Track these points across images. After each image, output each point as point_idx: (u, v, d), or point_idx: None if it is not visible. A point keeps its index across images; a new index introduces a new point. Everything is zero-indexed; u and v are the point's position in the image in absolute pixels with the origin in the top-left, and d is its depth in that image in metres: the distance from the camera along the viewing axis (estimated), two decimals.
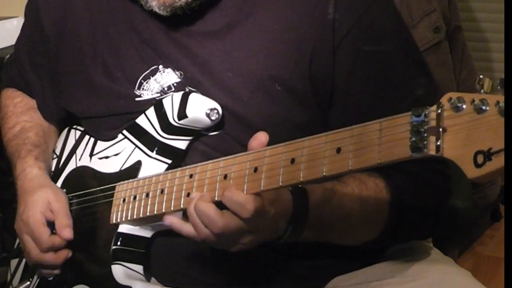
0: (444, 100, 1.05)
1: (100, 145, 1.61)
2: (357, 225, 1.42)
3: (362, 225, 1.43)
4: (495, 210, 3.50)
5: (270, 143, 1.31)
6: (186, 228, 1.35)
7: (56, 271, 1.60)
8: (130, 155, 1.54)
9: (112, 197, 1.53)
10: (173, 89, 1.50)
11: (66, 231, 1.55)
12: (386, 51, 1.46)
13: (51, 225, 1.57)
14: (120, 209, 1.51)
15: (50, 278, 1.62)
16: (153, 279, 1.54)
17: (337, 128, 1.24)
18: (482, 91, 1.04)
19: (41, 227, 1.56)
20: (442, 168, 1.47)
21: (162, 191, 1.42)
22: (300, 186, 1.33)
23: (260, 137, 1.30)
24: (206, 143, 1.48)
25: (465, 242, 3.28)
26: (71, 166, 1.66)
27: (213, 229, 1.30)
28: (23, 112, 1.77)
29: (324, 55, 1.44)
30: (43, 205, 1.57)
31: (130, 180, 1.50)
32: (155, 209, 1.43)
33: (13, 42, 1.84)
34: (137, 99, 1.53)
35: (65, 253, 1.57)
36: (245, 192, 1.27)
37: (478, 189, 2.61)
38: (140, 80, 1.53)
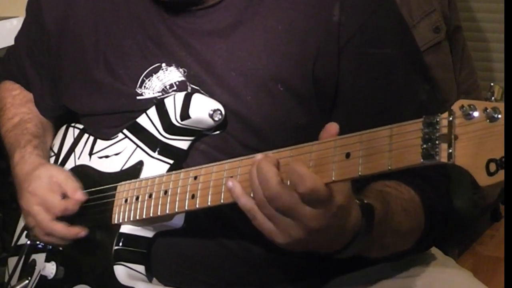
0: (455, 107, 1.05)
1: (100, 144, 1.60)
2: (404, 237, 1.38)
3: (407, 236, 1.39)
4: (495, 210, 3.52)
5: (271, 144, 1.30)
6: (244, 200, 1.24)
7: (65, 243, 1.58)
8: (131, 155, 1.54)
9: (114, 197, 1.53)
10: (175, 87, 1.50)
11: (78, 193, 1.54)
12: (391, 55, 1.46)
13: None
14: (122, 209, 1.50)
15: (50, 277, 1.61)
16: (154, 279, 1.54)
17: (341, 131, 1.23)
18: (493, 98, 1.04)
19: (52, 193, 1.55)
20: (443, 171, 1.47)
21: (165, 192, 1.41)
22: (366, 202, 1.25)
23: (330, 128, 1.21)
24: (207, 143, 1.48)
25: (465, 242, 3.29)
26: (70, 165, 1.66)
27: (266, 192, 1.19)
28: (21, 104, 1.77)
29: (328, 57, 1.44)
30: (47, 179, 1.57)
31: (132, 180, 1.50)
32: (159, 210, 1.43)
33: (13, 42, 1.84)
34: (138, 97, 1.53)
35: (78, 230, 1.55)
36: (251, 195, 1.27)
37: (478, 189, 2.62)
38: (142, 78, 1.52)
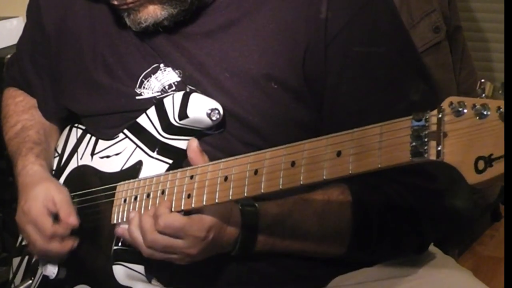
0: (445, 104, 1.04)
1: (101, 144, 1.61)
2: (315, 244, 1.45)
3: (321, 244, 1.46)
4: (495, 210, 3.49)
5: (272, 142, 1.31)
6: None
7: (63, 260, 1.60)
8: (131, 155, 1.54)
9: (113, 197, 1.53)
10: (174, 87, 1.50)
11: (71, 218, 1.55)
12: (379, 53, 1.45)
13: (53, 217, 1.56)
14: (121, 209, 1.50)
15: (52, 277, 1.61)
16: (154, 279, 1.54)
17: (328, 128, 1.24)
18: (483, 95, 1.04)
19: (44, 216, 1.55)
20: (424, 184, 1.46)
21: (163, 192, 1.41)
22: (255, 204, 1.40)
23: (191, 144, 1.39)
24: (207, 143, 1.48)
25: (465, 242, 3.28)
26: (72, 165, 1.66)
27: (144, 241, 1.39)
28: (24, 111, 1.77)
29: (316, 54, 1.44)
30: (45, 197, 1.57)
31: (131, 180, 1.50)
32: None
33: (13, 42, 1.85)
34: (137, 97, 1.53)
35: (71, 242, 1.56)
36: (245, 194, 1.28)
37: (478, 189, 2.61)
38: (141, 79, 1.53)
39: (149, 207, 1.43)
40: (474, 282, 1.47)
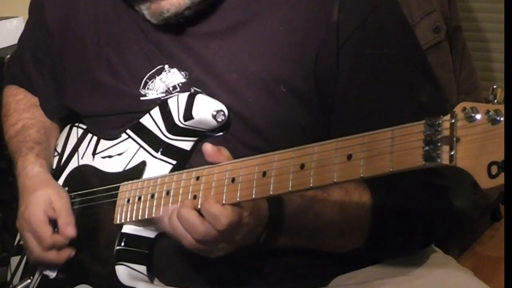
0: (458, 109, 1.05)
1: (103, 144, 1.60)
2: (335, 235, 1.44)
3: (341, 235, 1.45)
4: (495, 210, 3.51)
5: (274, 145, 1.31)
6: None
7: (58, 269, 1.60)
8: (134, 155, 1.54)
9: (116, 197, 1.53)
10: (178, 89, 1.50)
11: (69, 229, 1.55)
12: (389, 56, 1.45)
13: (53, 223, 1.57)
14: (124, 209, 1.50)
15: (52, 277, 1.61)
16: (156, 279, 1.54)
17: (338, 131, 1.24)
18: (495, 101, 1.04)
19: (43, 225, 1.55)
20: (436, 181, 1.48)
21: (168, 193, 1.41)
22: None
23: (205, 149, 1.35)
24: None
25: (465, 242, 3.29)
26: (73, 165, 1.66)
27: (194, 235, 1.32)
28: (25, 109, 1.77)
29: (328, 57, 1.44)
30: (45, 204, 1.57)
31: (135, 181, 1.50)
32: (161, 210, 1.43)
33: (13, 42, 1.84)
34: (142, 98, 1.53)
35: (68, 252, 1.56)
36: (253, 196, 1.27)
37: (478, 189, 2.61)
38: (145, 80, 1.53)
39: (153, 208, 1.43)
40: (475, 281, 1.47)
